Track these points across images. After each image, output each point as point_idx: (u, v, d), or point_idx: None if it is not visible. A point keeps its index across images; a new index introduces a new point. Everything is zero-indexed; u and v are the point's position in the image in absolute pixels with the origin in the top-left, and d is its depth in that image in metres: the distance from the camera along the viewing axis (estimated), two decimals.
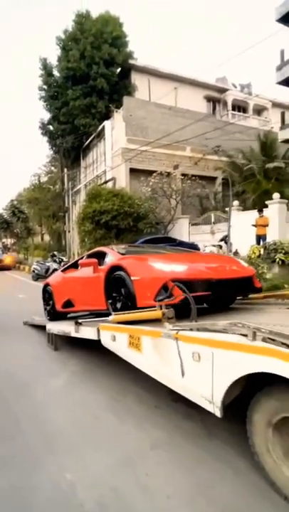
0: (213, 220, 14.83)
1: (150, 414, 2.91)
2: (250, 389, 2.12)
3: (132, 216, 14.46)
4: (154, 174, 14.96)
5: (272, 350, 1.79)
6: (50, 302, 5.49)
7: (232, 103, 23.45)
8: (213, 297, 3.39)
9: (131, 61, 19.81)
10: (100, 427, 2.76)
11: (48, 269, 14.87)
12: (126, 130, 17.05)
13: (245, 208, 13.18)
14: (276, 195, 11.39)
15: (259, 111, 25.40)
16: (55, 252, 17.98)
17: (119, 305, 3.51)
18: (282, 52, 14.99)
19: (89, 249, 15.23)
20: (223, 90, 23.57)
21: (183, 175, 16.50)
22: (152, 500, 1.96)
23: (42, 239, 32.84)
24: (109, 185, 17.42)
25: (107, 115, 18.88)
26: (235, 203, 13.07)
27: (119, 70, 19.66)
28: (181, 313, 2.77)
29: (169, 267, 3.27)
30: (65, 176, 24.23)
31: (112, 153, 17.89)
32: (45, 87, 21.02)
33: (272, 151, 16.82)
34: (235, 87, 25.33)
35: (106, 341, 3.37)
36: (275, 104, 24.90)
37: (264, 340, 1.88)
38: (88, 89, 18.97)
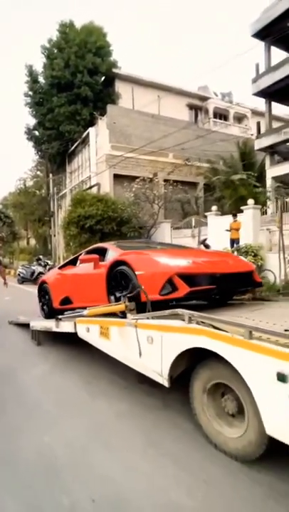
0: (193, 224, 15.47)
1: (119, 394, 3.41)
2: (193, 365, 2.65)
3: (115, 221, 14.94)
4: (137, 180, 15.52)
5: (202, 330, 2.33)
6: (47, 300, 5.46)
7: (213, 111, 24.31)
8: (218, 291, 3.40)
9: (115, 70, 20.39)
10: (75, 403, 3.24)
11: (33, 273, 15.19)
12: (110, 137, 17.58)
13: (223, 212, 13.85)
14: (250, 201, 12.09)
15: (239, 119, 26.38)
16: (41, 256, 18.30)
17: (122, 300, 3.46)
18: (257, 66, 15.89)
19: (74, 253, 15.69)
20: (204, 98, 24.42)
21: (165, 180, 17.15)
22: (114, 454, 2.45)
23: (28, 243, 32.96)
24: (94, 190, 17.88)
25: (91, 122, 19.39)
26: (214, 208, 13.74)
27: (103, 78, 20.20)
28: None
29: (173, 261, 3.29)
30: (51, 180, 24.55)
31: (97, 159, 18.38)
32: (30, 93, 21.41)
33: (251, 158, 17.71)
34: (217, 95, 26.27)
35: (81, 333, 3.88)
36: (255, 113, 25.92)
37: (197, 323, 2.42)
38: (73, 97, 19.45)
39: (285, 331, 2.13)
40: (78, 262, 4.86)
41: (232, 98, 27.00)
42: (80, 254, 4.95)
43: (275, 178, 15.84)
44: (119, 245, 4.45)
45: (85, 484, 2.13)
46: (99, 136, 18.39)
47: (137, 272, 3.25)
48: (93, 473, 2.24)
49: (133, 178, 16.13)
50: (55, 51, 19.66)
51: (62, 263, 5.80)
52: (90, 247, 4.96)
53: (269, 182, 15.74)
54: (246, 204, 12.34)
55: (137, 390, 3.46)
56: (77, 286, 4.71)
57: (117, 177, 17.55)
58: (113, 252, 4.13)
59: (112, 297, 3.66)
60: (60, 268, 5.59)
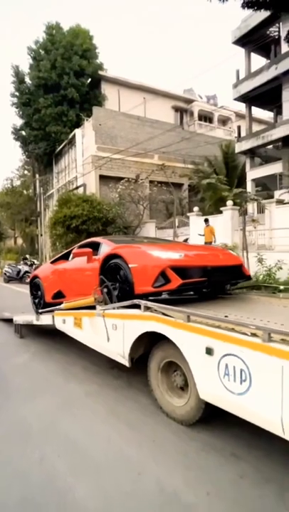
0: (177, 224, 15.98)
1: (90, 377, 3.84)
2: (150, 348, 3.10)
3: (101, 221, 15.32)
4: (122, 181, 15.93)
5: (154, 317, 2.78)
6: (39, 294, 5.46)
7: (198, 113, 24.88)
8: (208, 284, 3.48)
9: (101, 72, 20.74)
10: (50, 385, 3.66)
11: (19, 272, 15.45)
12: (96, 138, 17.93)
13: (204, 213, 14.39)
14: (229, 203, 12.66)
15: (224, 121, 27.05)
16: (27, 256, 18.53)
17: (115, 293, 3.54)
18: (237, 72, 16.47)
19: (60, 253, 16.04)
20: (190, 101, 24.97)
21: (151, 181, 17.61)
22: (79, 423, 2.87)
23: (15, 242, 32.96)
24: (80, 190, 18.21)
25: (78, 123, 19.70)
26: (195, 208, 14.27)
27: (89, 80, 20.52)
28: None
29: (166, 254, 3.32)
30: (37, 181, 24.72)
31: (83, 160, 18.70)
32: (17, 93, 21.57)
33: (234, 160, 18.33)
34: (202, 98, 26.87)
35: (59, 324, 4.29)
36: (239, 115, 26.62)
37: (151, 311, 2.87)
38: (59, 98, 19.72)
39: (225, 316, 2.59)
40: (71, 256, 4.91)
41: (216, 101, 27.70)
42: (73, 249, 4.99)
43: (255, 180, 16.50)
44: (111, 239, 4.47)
45: (53, 444, 2.55)
46: (85, 137, 18.71)
47: (130, 265, 3.29)
48: (60, 436, 2.66)
49: (119, 179, 16.54)
50: (42, 53, 19.90)
51: (54, 258, 5.82)
52: (83, 242, 4.97)
53: (249, 184, 16.38)
54: (226, 205, 12.91)
55: (107, 374, 3.89)
56: (70, 280, 4.72)
57: (102, 178, 17.92)
58: (106, 246, 4.16)
59: (105, 290, 3.65)
60: (52, 263, 5.60)
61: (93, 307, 3.60)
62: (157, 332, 2.74)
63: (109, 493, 2.05)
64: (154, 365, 3.00)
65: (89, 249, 4.17)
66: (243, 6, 11.45)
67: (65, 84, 19.25)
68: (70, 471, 2.25)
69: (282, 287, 4.51)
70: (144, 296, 3.17)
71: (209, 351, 2.27)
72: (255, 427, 2.08)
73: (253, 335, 2.09)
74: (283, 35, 13.57)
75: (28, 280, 9.60)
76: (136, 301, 2.99)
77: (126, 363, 3.10)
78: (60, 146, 21.23)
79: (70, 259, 5.04)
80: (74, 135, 19.24)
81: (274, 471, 2.20)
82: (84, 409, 3.10)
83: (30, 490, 2.08)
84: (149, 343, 3.06)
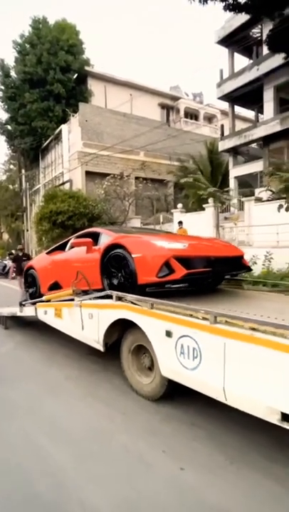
0: (161, 220, 16.34)
1: (71, 363, 4.17)
2: (123, 335, 3.44)
3: (87, 216, 15.52)
4: (108, 177, 16.15)
5: (124, 305, 3.12)
6: (34, 285, 5.35)
7: (184, 111, 25.19)
8: (212, 274, 3.50)
9: (87, 68, 20.78)
10: (33, 371, 3.97)
11: (4, 267, 15.57)
12: (82, 135, 18.04)
13: (188, 209, 14.79)
14: (211, 201, 13.09)
15: (210, 118, 27.43)
16: (13, 251, 18.54)
17: (117, 282, 3.53)
18: (221, 72, 16.83)
19: (46, 248, 16.18)
20: (176, 98, 25.24)
21: (136, 178, 17.88)
22: (60, 402, 3.20)
23: (1, 237, 32.74)
24: (67, 186, 18.34)
25: (64, 119, 19.74)
26: (179, 205, 14.65)
27: (75, 76, 20.52)
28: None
29: (169, 244, 3.31)
30: (23, 176, 24.63)
31: (69, 156, 18.80)
32: (2, 87, 21.37)
33: (218, 157, 18.76)
34: (188, 95, 27.16)
35: (41, 315, 4.59)
36: (224, 113, 27.07)
37: (122, 300, 3.20)
38: (45, 93, 19.69)
39: (188, 305, 2.95)
40: (68, 246, 4.86)
41: (203, 98, 28.04)
42: (69, 240, 4.94)
43: (238, 178, 16.99)
44: (111, 229, 4.45)
45: (35, 420, 2.88)
46: (71, 133, 18.79)
47: (133, 255, 3.27)
48: (42, 414, 2.99)
49: (105, 175, 16.74)
50: (28, 47, 19.78)
51: (49, 248, 5.65)
52: (81, 232, 4.89)
53: (232, 181, 16.85)
54: (208, 202, 13.34)
55: (86, 360, 4.23)
56: (67, 271, 4.53)
57: (89, 174, 18.09)
58: (106, 236, 4.09)
59: (107, 281, 3.65)
60: (48, 253, 5.47)
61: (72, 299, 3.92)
62: (127, 319, 3.09)
63: (83, 456, 2.39)
64: (125, 348, 3.35)
65: (89, 240, 4.09)
66: (224, 9, 11.81)
67: (51, 79, 19.23)
68: (50, 441, 2.58)
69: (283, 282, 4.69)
70: (148, 286, 3.25)
71: (169, 334, 2.63)
72: (212, 400, 2.43)
73: (204, 318, 2.45)
74: (265, 37, 13.99)
75: (13, 276, 9.79)
76: (109, 292, 3.33)
77: (101, 348, 3.44)
78: (47, 142, 21.22)
79: (67, 249, 4.96)
80: (60, 131, 19.29)
81: (223, 434, 2.59)
82: (64, 391, 3.43)
83: (16, 458, 2.38)
84: (121, 329, 3.40)
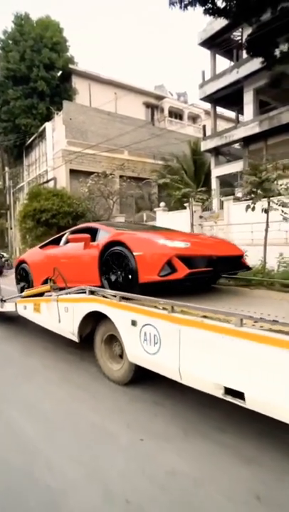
0: (145, 218, 16.63)
1: (49, 354, 4.42)
2: (96, 327, 3.72)
3: (71, 215, 15.66)
4: (92, 176, 16.31)
5: (96, 299, 3.40)
6: (26, 280, 5.24)
7: (169, 110, 25.49)
8: (214, 273, 3.47)
9: (71, 66, 20.78)
10: (13, 361, 4.22)
11: None
12: (66, 133, 18.10)
13: (170, 208, 15.13)
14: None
15: (194, 118, 27.84)
16: None
17: (116, 280, 3.49)
18: (203, 73, 17.20)
19: (31, 246, 16.25)
20: (160, 98, 25.50)
21: (121, 176, 18.10)
22: (37, 388, 3.46)
23: None
24: (51, 184, 18.38)
25: (48, 116, 19.72)
26: (162, 204, 14.98)
27: (60, 73, 20.50)
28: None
29: (171, 243, 3.28)
30: (7, 173, 24.45)
31: (53, 154, 18.84)
32: None
33: (201, 157, 19.17)
34: (172, 95, 27.47)
35: (21, 311, 4.82)
36: (208, 113, 27.52)
37: (94, 294, 3.48)
38: (29, 91, 19.62)
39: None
40: (63, 241, 4.80)
41: (187, 98, 28.42)
42: (64, 234, 4.90)
43: (220, 178, 17.44)
44: (110, 225, 4.35)
45: (13, 403, 3.14)
46: (55, 131, 18.81)
47: (134, 253, 3.24)
48: (20, 399, 3.25)
49: (89, 174, 16.88)
50: (10, 43, 19.62)
51: (43, 243, 5.51)
52: (77, 227, 4.80)
53: (214, 181, 17.29)
54: (188, 201, 13.71)
55: (63, 351, 4.50)
56: (62, 267, 4.37)
57: (73, 172, 18.17)
58: (105, 231, 4.03)
59: (105, 279, 3.63)
60: (41, 247, 5.34)
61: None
62: (99, 311, 3.37)
63: (54, 431, 2.68)
64: (98, 338, 3.63)
65: (87, 235, 4.00)
66: (204, 13, 12.14)
67: (35, 76, 19.18)
68: (26, 421, 2.84)
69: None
70: (149, 285, 3.22)
71: (134, 323, 2.93)
72: (173, 382, 2.73)
73: (164, 308, 2.76)
74: (244, 41, 14.40)
75: None
76: (83, 287, 3.60)
77: (76, 339, 3.72)
78: (31, 139, 21.16)
79: (61, 244, 4.88)
80: (44, 128, 19.28)
81: (180, 411, 2.92)
82: (42, 378, 3.70)
83: None
84: (94, 321, 3.68)
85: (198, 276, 3.34)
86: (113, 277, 3.55)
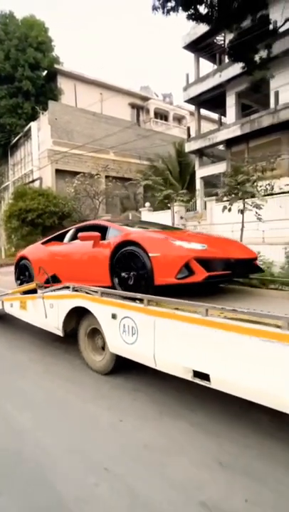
0: (130, 218, 16.86)
1: (35, 349, 4.63)
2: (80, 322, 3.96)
3: (57, 214, 15.76)
4: (78, 176, 16.43)
5: (79, 295, 3.64)
6: (27, 277, 5.07)
7: (154, 111, 25.77)
8: (232, 276, 3.38)
9: (57, 66, 20.77)
10: (1, 357, 4.40)
11: None
12: (51, 133, 18.14)
13: (155, 208, 15.43)
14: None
15: (179, 119, 28.22)
16: None
17: (130, 282, 3.37)
18: (187, 76, 17.55)
19: (16, 246, 16.27)
20: (146, 99, 25.74)
21: (107, 177, 18.27)
22: (23, 378, 3.68)
23: None
24: (37, 184, 18.39)
25: (33, 116, 19.69)
26: (147, 204, 15.27)
27: (45, 73, 20.48)
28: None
29: (188, 244, 3.21)
30: None
31: (39, 153, 18.84)
32: None
33: (186, 158, 19.57)
34: (158, 96, 27.77)
35: (7, 308, 5.01)
36: (193, 114, 27.97)
37: (77, 291, 3.72)
38: (14, 90, 19.54)
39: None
40: (68, 238, 4.71)
41: (172, 99, 28.77)
42: (68, 231, 4.81)
43: (204, 178, 17.85)
44: (121, 223, 4.28)
45: (1, 392, 3.35)
46: (41, 130, 18.82)
47: (150, 254, 3.16)
48: (7, 389, 3.46)
49: (75, 173, 16.99)
50: None
51: (45, 238, 5.36)
52: (84, 224, 4.71)
53: (198, 182, 17.69)
54: (175, 201, 14.04)
55: (49, 346, 4.72)
56: (69, 265, 4.38)
57: (59, 172, 18.23)
58: (116, 230, 3.91)
59: (116, 279, 3.51)
60: (43, 244, 5.18)
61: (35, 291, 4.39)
62: (82, 306, 3.61)
63: (41, 417, 2.91)
64: (82, 332, 3.87)
65: (97, 234, 3.85)
66: (187, 18, 12.48)
67: (20, 76, 19.11)
68: (14, 408, 3.06)
69: None
70: (164, 287, 3.16)
71: (114, 316, 3.19)
72: (152, 370, 2.99)
73: (141, 302, 3.03)
74: (227, 45, 14.81)
75: None
76: (67, 284, 3.83)
77: (60, 333, 3.95)
78: (16, 139, 21.06)
79: (66, 241, 4.76)
80: (29, 128, 19.25)
81: (157, 395, 3.20)
82: (26, 369, 3.93)
83: None
84: (78, 317, 3.91)
85: (218, 280, 3.29)
86: (126, 278, 3.41)
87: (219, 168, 17.00)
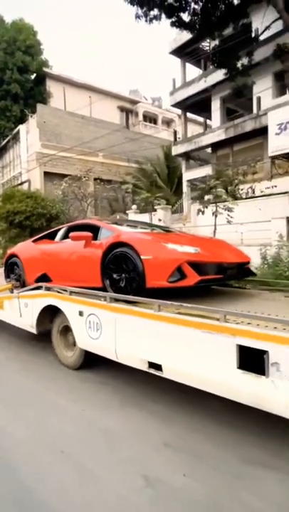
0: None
1: (12, 347, 4.83)
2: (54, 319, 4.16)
3: (45, 217, 15.88)
4: (66, 179, 16.60)
5: (51, 294, 3.85)
6: (18, 275, 4.93)
7: (143, 114, 26.08)
8: (223, 280, 3.36)
9: (45, 69, 20.96)
10: None
11: None
12: (40, 136, 18.28)
13: (141, 210, 15.68)
14: (162, 202, 14.07)
15: (168, 122, 28.58)
16: None
17: (121, 284, 3.33)
18: (174, 81, 17.88)
19: (4, 247, 16.33)
20: (135, 102, 26.05)
21: (95, 179, 18.47)
22: (3, 375, 3.88)
23: None
24: (25, 186, 18.50)
25: (22, 119, 19.82)
26: (134, 206, 15.51)
27: (34, 76, 20.64)
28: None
29: (181, 247, 3.18)
30: None
31: (28, 156, 18.96)
32: None
33: (174, 161, 19.86)
34: (146, 99, 28.11)
35: None
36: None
37: (49, 290, 3.93)
38: (3, 93, 19.66)
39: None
40: (59, 236, 4.65)
41: (161, 103, 29.14)
42: (60, 229, 4.74)
43: (190, 181, 18.17)
44: (113, 223, 4.24)
45: None
46: (29, 133, 18.94)
47: (142, 257, 3.12)
48: None
49: (63, 176, 17.15)
50: None
51: (36, 236, 5.25)
52: (76, 223, 4.67)
53: (185, 184, 18.00)
54: (159, 204, 14.31)
55: (26, 344, 4.91)
56: (59, 264, 4.30)
57: (47, 174, 18.37)
58: (108, 230, 3.85)
59: (108, 281, 3.45)
60: (34, 241, 5.05)
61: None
62: (53, 305, 3.82)
63: (11, 407, 3.11)
64: (55, 329, 4.08)
65: (89, 234, 3.78)
66: (171, 25, 12.80)
67: (9, 79, 19.26)
68: None
69: None
70: (157, 290, 3.11)
71: (81, 313, 3.40)
72: (118, 364, 3.20)
73: (104, 300, 3.25)
74: (210, 52, 15.19)
75: None
76: (40, 284, 4.04)
77: (34, 331, 4.15)
78: (5, 141, 21.14)
79: (57, 239, 4.68)
80: (18, 131, 19.36)
81: (121, 387, 3.42)
82: (2, 367, 4.11)
83: None
84: (52, 315, 4.12)
85: (209, 284, 3.29)
86: (117, 280, 3.38)
87: (205, 171, 17.30)
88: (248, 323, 2.32)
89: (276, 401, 2.07)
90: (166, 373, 2.68)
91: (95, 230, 3.96)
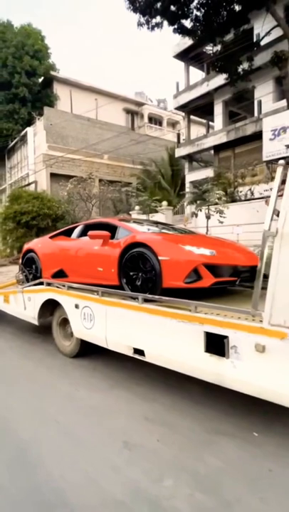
0: None
1: (15, 339, 5.26)
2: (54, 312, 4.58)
3: (50, 217, 16.38)
4: (71, 180, 17.07)
5: (51, 289, 4.26)
6: (34, 270, 5.02)
7: (148, 116, 26.47)
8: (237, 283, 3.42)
9: (53, 73, 21.47)
10: None
11: None
12: (47, 138, 18.80)
13: (144, 212, 16.06)
14: (164, 203, 14.46)
15: (173, 124, 28.92)
16: None
17: (138, 283, 3.42)
18: (177, 84, 18.24)
19: (11, 247, 16.89)
20: (140, 104, 26.45)
21: (100, 180, 18.93)
22: (4, 362, 4.29)
23: None
24: (32, 187, 19.04)
25: (30, 121, 20.36)
26: (137, 207, 15.89)
27: (41, 79, 21.16)
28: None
29: (198, 249, 3.26)
30: None
31: (34, 158, 19.49)
32: None
33: (178, 162, 20.19)
34: (152, 101, 28.47)
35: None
36: None
37: (49, 285, 4.34)
38: (11, 96, 20.21)
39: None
40: (76, 234, 4.74)
41: (166, 104, 29.46)
42: (77, 227, 4.85)
43: (193, 183, 18.49)
44: (130, 222, 4.34)
45: None
46: (37, 135, 19.48)
47: (160, 257, 3.21)
48: None
49: (69, 177, 17.64)
50: None
51: (53, 233, 5.33)
52: (93, 221, 4.76)
53: (188, 186, 18.33)
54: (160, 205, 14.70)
55: (29, 335, 5.34)
56: (76, 261, 4.38)
57: (54, 175, 18.88)
58: (126, 230, 3.93)
59: (124, 279, 3.54)
60: (51, 238, 5.14)
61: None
62: (53, 299, 4.23)
63: (9, 389, 3.52)
64: (55, 321, 4.50)
65: (107, 233, 3.87)
66: (174, 32, 13.17)
67: (17, 82, 19.79)
68: None
69: None
70: (173, 290, 3.18)
71: (77, 306, 3.81)
72: (111, 352, 3.59)
73: (97, 294, 3.65)
74: (212, 57, 15.49)
75: None
76: (42, 280, 4.46)
77: (36, 322, 4.58)
78: (13, 143, 21.72)
79: (73, 236, 4.77)
80: (26, 133, 19.90)
81: (111, 372, 3.81)
82: (5, 356, 4.54)
83: None
84: (52, 309, 4.53)
85: (223, 286, 3.38)
86: (134, 279, 3.48)
87: (208, 172, 17.61)
88: (217, 314, 2.69)
89: (235, 379, 2.44)
90: (148, 358, 3.06)
91: (112, 229, 4.05)
